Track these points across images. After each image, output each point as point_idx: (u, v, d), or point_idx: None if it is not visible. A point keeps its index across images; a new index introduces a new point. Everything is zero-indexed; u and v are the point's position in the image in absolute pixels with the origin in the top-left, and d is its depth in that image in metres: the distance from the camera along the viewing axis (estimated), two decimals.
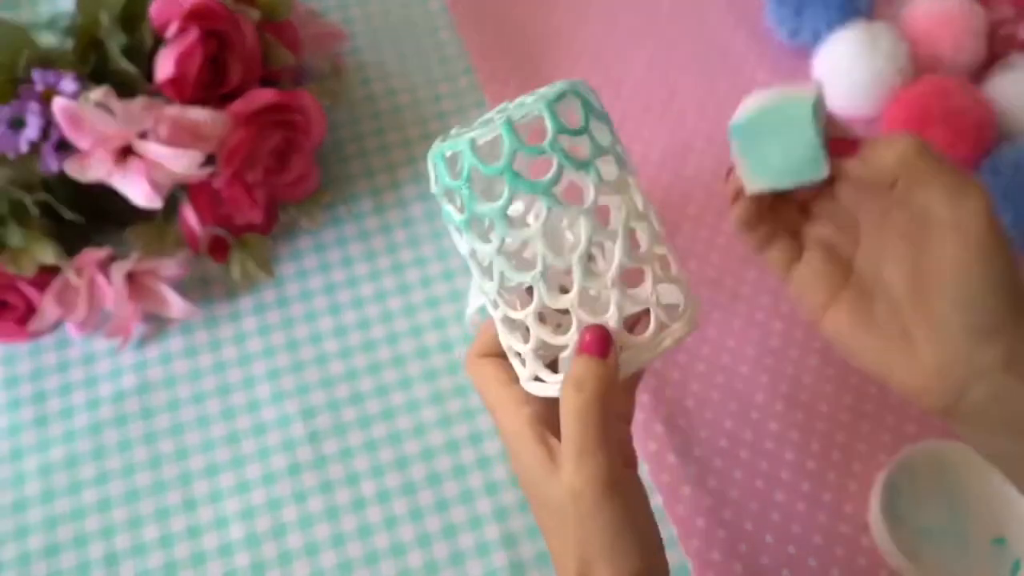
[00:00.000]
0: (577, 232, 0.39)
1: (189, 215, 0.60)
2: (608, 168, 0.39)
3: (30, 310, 0.61)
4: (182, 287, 0.63)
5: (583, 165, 0.38)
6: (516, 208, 0.42)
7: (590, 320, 0.38)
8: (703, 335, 0.62)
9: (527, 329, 0.40)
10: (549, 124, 0.37)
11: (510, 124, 0.37)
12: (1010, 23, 0.70)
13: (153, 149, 0.54)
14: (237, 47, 0.61)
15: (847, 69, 0.68)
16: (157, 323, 0.63)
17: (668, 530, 0.56)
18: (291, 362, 0.62)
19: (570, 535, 0.39)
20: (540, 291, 0.38)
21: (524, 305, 0.40)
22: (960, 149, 0.64)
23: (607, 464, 0.38)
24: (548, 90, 0.39)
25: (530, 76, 0.74)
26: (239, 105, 0.59)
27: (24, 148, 0.56)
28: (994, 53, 0.70)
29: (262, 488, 0.58)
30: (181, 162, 0.55)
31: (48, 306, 0.60)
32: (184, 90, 0.59)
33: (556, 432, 0.40)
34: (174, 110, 0.57)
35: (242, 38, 0.61)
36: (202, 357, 0.63)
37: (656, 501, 0.57)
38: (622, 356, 0.39)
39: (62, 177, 0.56)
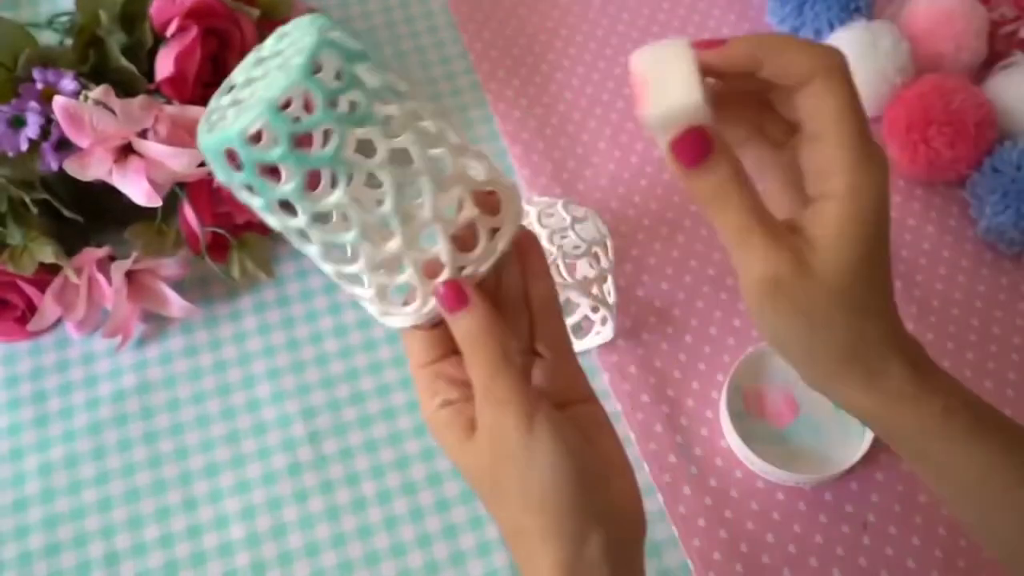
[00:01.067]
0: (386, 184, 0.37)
1: (189, 214, 0.60)
2: (388, 108, 0.37)
3: (30, 309, 0.61)
4: (182, 286, 0.63)
5: (363, 119, 0.36)
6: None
7: (422, 259, 0.37)
8: (704, 334, 0.62)
9: (366, 282, 0.39)
10: (316, 94, 0.35)
11: (274, 106, 0.34)
12: (1011, 22, 0.70)
13: (153, 148, 0.54)
14: (237, 45, 0.61)
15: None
16: (157, 322, 0.63)
17: (669, 530, 0.56)
18: (291, 361, 0.62)
19: (491, 480, 0.37)
20: (365, 249, 0.37)
21: (355, 261, 0.38)
22: (961, 148, 0.64)
23: (513, 399, 0.36)
24: (294, 49, 0.36)
25: (530, 75, 0.74)
26: None
27: (24, 146, 0.56)
28: (995, 52, 0.70)
29: (262, 488, 0.58)
30: (181, 161, 0.55)
31: (48, 305, 0.60)
32: (184, 89, 0.59)
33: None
34: (174, 109, 0.56)
35: (242, 36, 0.61)
36: (202, 356, 0.62)
37: (657, 501, 0.57)
38: (465, 273, 0.37)
39: (62, 176, 0.56)
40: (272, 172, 0.36)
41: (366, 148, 0.37)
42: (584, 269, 0.60)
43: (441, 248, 0.37)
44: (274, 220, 0.38)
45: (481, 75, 0.73)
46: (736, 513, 0.57)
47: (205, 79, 0.60)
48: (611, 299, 0.61)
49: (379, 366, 0.62)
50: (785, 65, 0.35)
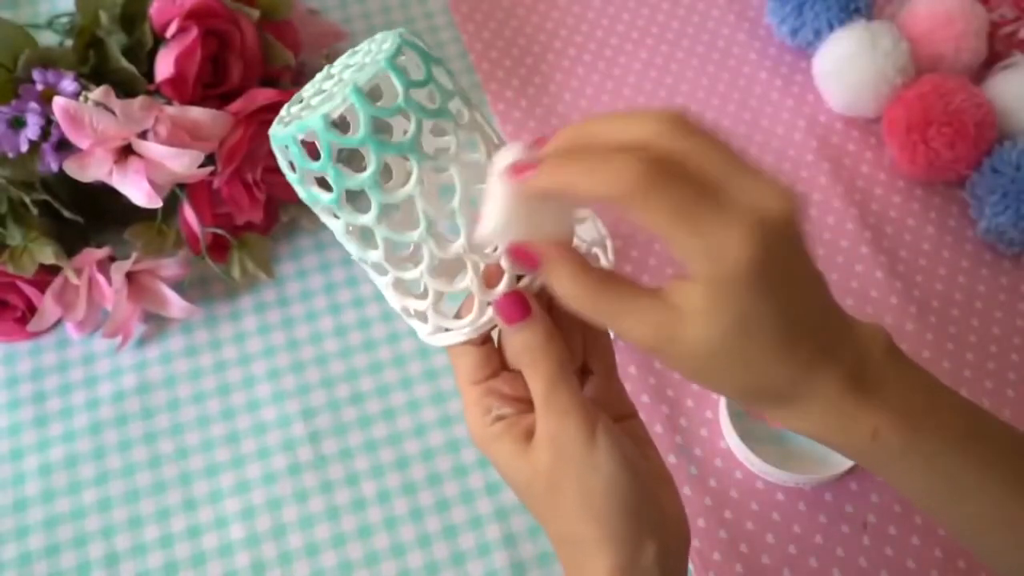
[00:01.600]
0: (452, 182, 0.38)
1: (189, 215, 0.60)
2: (459, 108, 0.38)
3: (30, 310, 0.61)
4: (182, 287, 0.63)
5: (438, 113, 0.37)
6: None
7: (482, 263, 0.37)
8: None
9: (423, 288, 0.39)
10: (397, 82, 0.36)
11: (359, 90, 0.36)
12: (1011, 23, 0.70)
13: (153, 148, 0.54)
14: (237, 46, 0.61)
15: (847, 69, 0.68)
16: (157, 323, 0.63)
17: None
18: (291, 362, 0.62)
19: (547, 490, 0.37)
20: (430, 247, 0.37)
21: (415, 265, 0.39)
22: (960, 149, 0.64)
23: (573, 410, 0.36)
24: (378, 47, 0.38)
25: (530, 75, 0.74)
26: (239, 104, 0.59)
27: (24, 147, 0.56)
28: (995, 53, 0.70)
29: (262, 488, 0.58)
30: (181, 161, 0.55)
31: (48, 306, 0.60)
32: (184, 89, 0.59)
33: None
34: (174, 109, 0.56)
35: (242, 37, 0.61)
36: (202, 357, 0.62)
37: None
38: (523, 284, 0.38)
39: (62, 176, 0.56)
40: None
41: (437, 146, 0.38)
42: None
43: (502, 253, 0.37)
44: (341, 219, 0.38)
45: (481, 75, 0.73)
46: (736, 514, 0.57)
47: (205, 80, 0.60)
48: None
49: (379, 366, 0.62)
50: (610, 141, 0.34)
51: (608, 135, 0.34)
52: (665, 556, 0.37)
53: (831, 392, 0.35)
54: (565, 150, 0.35)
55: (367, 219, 0.37)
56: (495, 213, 0.35)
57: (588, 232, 0.58)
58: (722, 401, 0.58)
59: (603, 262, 0.59)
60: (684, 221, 0.32)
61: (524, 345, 0.37)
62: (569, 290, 0.35)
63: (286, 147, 0.38)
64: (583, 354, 0.41)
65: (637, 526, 0.37)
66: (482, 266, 0.38)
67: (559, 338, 0.38)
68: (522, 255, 0.36)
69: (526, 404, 0.39)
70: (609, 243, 0.60)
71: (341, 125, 0.36)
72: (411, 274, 0.38)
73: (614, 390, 0.42)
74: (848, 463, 0.56)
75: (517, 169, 0.35)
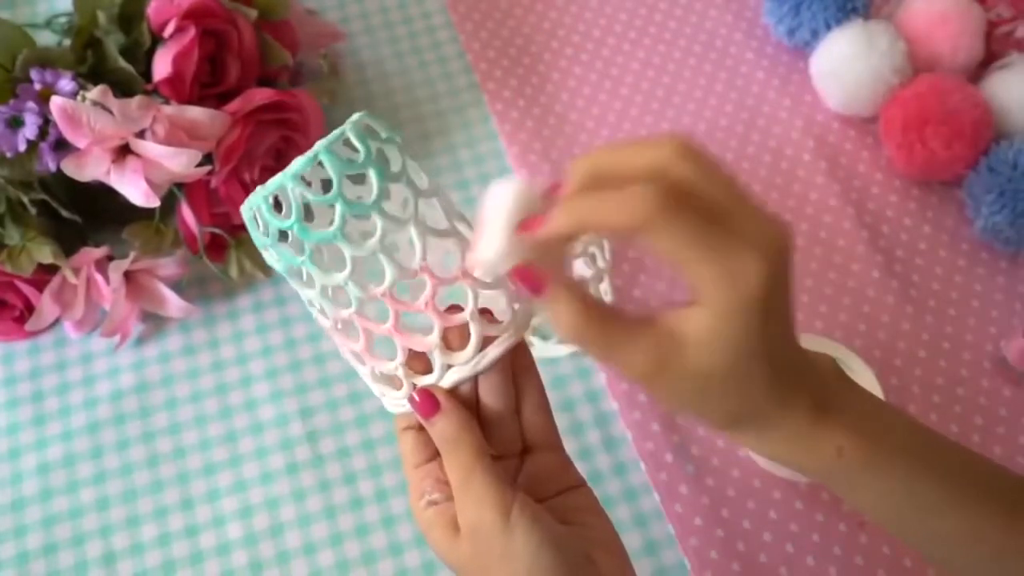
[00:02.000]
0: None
1: (187, 214, 0.60)
2: (398, 193, 0.40)
3: (28, 309, 0.61)
4: (180, 286, 0.63)
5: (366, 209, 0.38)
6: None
7: (406, 344, 0.40)
8: None
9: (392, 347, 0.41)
10: (330, 168, 0.38)
11: (329, 151, 0.38)
12: (1007, 22, 0.70)
13: (150, 148, 0.54)
14: (234, 46, 0.61)
15: (844, 68, 0.68)
16: (155, 322, 0.63)
17: (666, 529, 0.56)
18: (289, 361, 0.62)
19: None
20: (361, 330, 0.40)
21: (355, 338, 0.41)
22: (957, 148, 0.64)
23: (488, 498, 0.38)
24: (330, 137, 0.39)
25: (527, 74, 0.74)
26: (236, 104, 0.59)
27: (22, 147, 0.56)
28: (991, 52, 0.70)
29: (260, 487, 0.58)
30: (179, 161, 0.55)
31: (46, 305, 0.60)
32: (181, 89, 0.59)
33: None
34: (171, 109, 0.57)
35: (239, 37, 0.61)
36: (200, 356, 0.63)
37: (653, 500, 0.57)
38: (449, 374, 0.40)
39: (60, 176, 0.56)
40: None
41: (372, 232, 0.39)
42: (580, 269, 0.60)
43: (432, 345, 0.39)
44: (311, 282, 0.40)
45: (479, 75, 0.74)
46: (733, 512, 0.57)
47: (203, 79, 0.60)
48: (608, 299, 0.61)
49: None
50: (623, 171, 0.34)
51: (618, 167, 0.35)
52: None
53: (800, 417, 0.36)
54: (580, 188, 0.35)
55: (340, 278, 0.39)
56: (493, 244, 0.36)
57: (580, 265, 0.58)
58: None
59: (599, 262, 0.59)
60: (700, 247, 0.32)
61: (439, 436, 0.40)
62: (572, 321, 0.35)
63: (256, 209, 0.39)
64: (522, 434, 0.43)
65: None
66: (410, 350, 0.40)
67: (473, 427, 0.40)
68: (528, 278, 0.36)
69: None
70: (606, 242, 0.60)
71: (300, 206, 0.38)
72: (353, 346, 0.41)
73: (558, 464, 0.43)
74: None
75: (530, 224, 0.36)
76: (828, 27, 0.70)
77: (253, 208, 0.39)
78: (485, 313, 0.40)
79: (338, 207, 0.38)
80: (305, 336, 0.63)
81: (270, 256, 0.40)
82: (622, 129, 0.71)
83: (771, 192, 0.68)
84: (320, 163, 0.38)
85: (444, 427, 0.40)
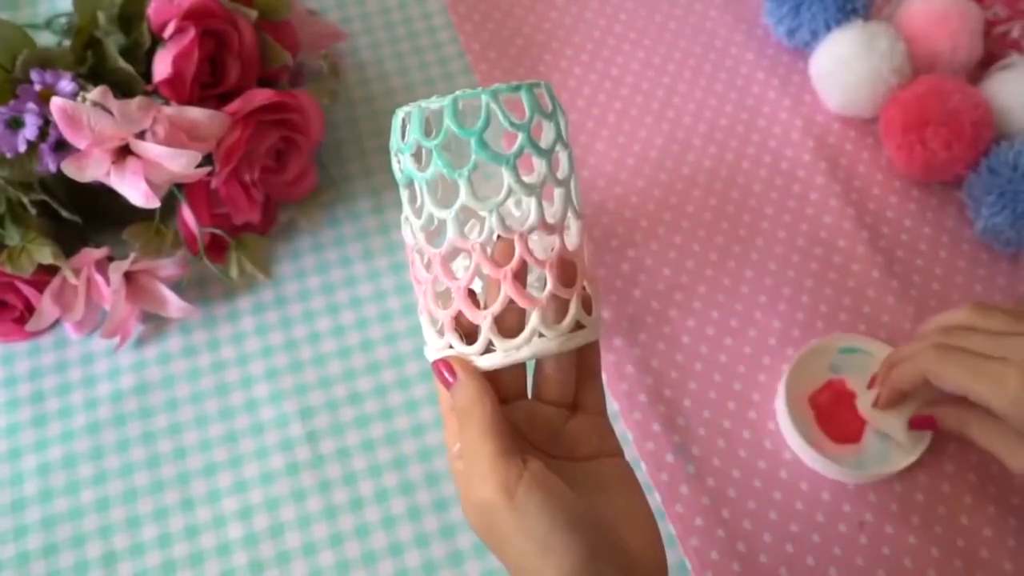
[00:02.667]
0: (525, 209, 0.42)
1: (187, 215, 0.60)
2: (563, 160, 0.42)
3: (28, 310, 0.61)
4: (180, 287, 0.63)
5: (545, 152, 0.40)
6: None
7: (466, 305, 0.40)
8: (702, 334, 0.63)
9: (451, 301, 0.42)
10: (526, 103, 0.40)
11: (494, 93, 0.39)
12: (1004, 22, 0.70)
13: (151, 149, 0.54)
14: (235, 47, 0.61)
15: (844, 69, 0.68)
16: (155, 323, 0.63)
17: (666, 529, 0.56)
18: (289, 362, 0.62)
19: (504, 549, 0.38)
20: (491, 222, 0.40)
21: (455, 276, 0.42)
22: (957, 149, 0.64)
23: (500, 469, 0.38)
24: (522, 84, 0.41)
25: (528, 75, 0.74)
26: (237, 104, 0.59)
27: (22, 148, 0.56)
28: (991, 52, 0.70)
29: (260, 488, 0.58)
30: (179, 162, 0.55)
31: (46, 306, 0.60)
32: (181, 90, 0.59)
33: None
34: (172, 110, 0.57)
35: (240, 38, 0.61)
36: (200, 357, 0.63)
37: (654, 500, 0.57)
38: (488, 357, 0.40)
39: (60, 177, 0.56)
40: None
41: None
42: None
43: (484, 316, 0.40)
44: (419, 203, 0.42)
45: (479, 75, 0.74)
46: (733, 513, 0.57)
47: (203, 80, 0.60)
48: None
49: (376, 366, 0.62)
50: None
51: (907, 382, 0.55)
52: None
53: None
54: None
55: (446, 211, 0.40)
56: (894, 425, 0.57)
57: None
58: (780, 398, 0.59)
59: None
60: (973, 375, 0.50)
61: (455, 405, 0.41)
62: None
63: (408, 117, 0.41)
64: (575, 390, 0.44)
65: (587, 557, 0.37)
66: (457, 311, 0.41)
67: (487, 402, 0.40)
68: (923, 423, 0.57)
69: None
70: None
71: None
72: (453, 282, 0.41)
73: (600, 428, 0.44)
74: (907, 460, 0.57)
75: (918, 423, 0.58)
76: (828, 28, 0.70)
77: (404, 115, 0.41)
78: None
79: (474, 147, 0.39)
80: (305, 337, 0.63)
81: (396, 162, 0.42)
82: (622, 129, 0.71)
83: (771, 192, 0.68)
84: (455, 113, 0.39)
85: (458, 398, 0.40)
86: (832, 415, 0.59)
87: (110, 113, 0.54)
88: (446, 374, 0.41)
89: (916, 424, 0.56)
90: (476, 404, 0.40)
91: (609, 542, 0.38)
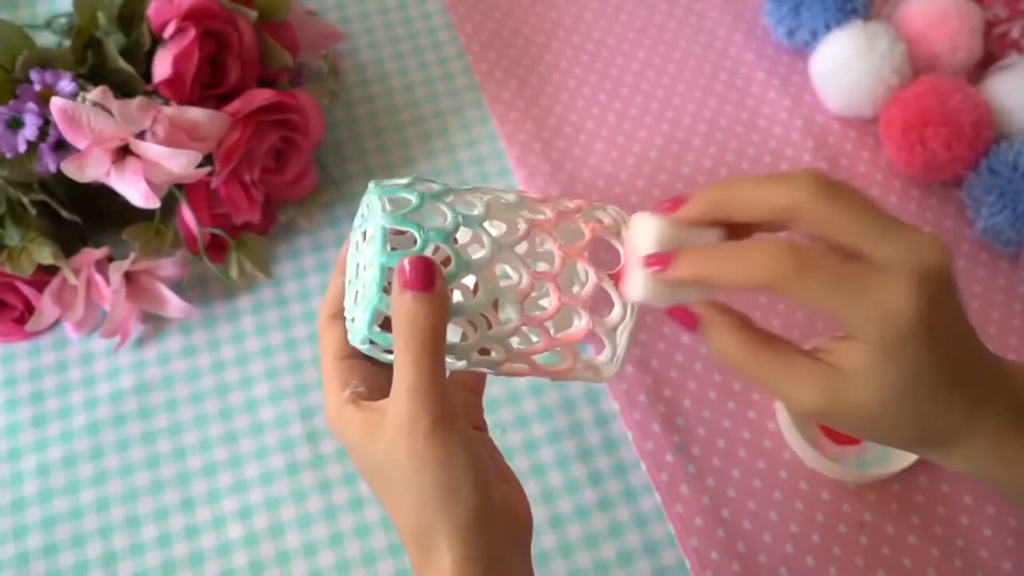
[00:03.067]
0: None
1: (187, 215, 0.60)
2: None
3: (28, 310, 0.61)
4: (180, 287, 0.63)
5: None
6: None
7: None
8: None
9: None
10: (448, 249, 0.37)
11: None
12: (1003, 22, 0.70)
13: (151, 149, 0.54)
14: (235, 47, 0.61)
15: (844, 69, 0.68)
16: (155, 323, 0.63)
17: (666, 529, 0.56)
18: (289, 361, 0.62)
19: (400, 477, 0.36)
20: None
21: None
22: (957, 149, 0.64)
23: (438, 399, 0.35)
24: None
25: (527, 76, 0.74)
26: (237, 105, 0.59)
27: (22, 148, 0.56)
28: (990, 53, 0.70)
29: (260, 487, 0.58)
30: (179, 162, 0.55)
31: (46, 306, 0.60)
32: (181, 90, 0.59)
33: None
34: (172, 110, 0.57)
35: (240, 38, 0.61)
36: (200, 357, 0.63)
37: (654, 500, 0.57)
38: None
39: (60, 177, 0.56)
40: None
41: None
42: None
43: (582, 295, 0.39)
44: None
45: (479, 75, 0.74)
46: (733, 513, 0.57)
47: (203, 80, 0.60)
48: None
49: None
50: (754, 208, 0.35)
51: (751, 201, 0.35)
52: (514, 548, 0.39)
53: (994, 433, 0.35)
54: (705, 213, 0.36)
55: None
56: (638, 286, 0.37)
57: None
58: (779, 404, 0.59)
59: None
60: (842, 291, 0.32)
61: (413, 317, 0.35)
62: (729, 349, 0.36)
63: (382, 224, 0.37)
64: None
65: (487, 521, 0.37)
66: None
67: (445, 331, 0.36)
68: (680, 317, 0.37)
69: (379, 393, 0.39)
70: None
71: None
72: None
73: (478, 404, 0.45)
74: (907, 460, 0.57)
75: (653, 261, 0.36)
76: (828, 28, 0.70)
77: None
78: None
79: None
80: (305, 337, 0.63)
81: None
82: (622, 130, 0.71)
83: None
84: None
85: (427, 309, 0.35)
86: None
87: (110, 113, 0.54)
88: (419, 276, 0.35)
89: (677, 316, 0.37)
90: (444, 327, 0.36)
91: (497, 494, 0.38)
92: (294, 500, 0.57)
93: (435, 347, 0.36)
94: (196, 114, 0.57)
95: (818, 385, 0.34)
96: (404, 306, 0.36)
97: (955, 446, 0.36)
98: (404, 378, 0.36)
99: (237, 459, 0.59)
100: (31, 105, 0.55)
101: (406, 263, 0.36)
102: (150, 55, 0.59)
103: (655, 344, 0.62)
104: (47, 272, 0.60)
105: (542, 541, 0.56)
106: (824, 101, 0.71)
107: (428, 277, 0.35)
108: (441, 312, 0.36)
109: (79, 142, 0.55)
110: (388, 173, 0.70)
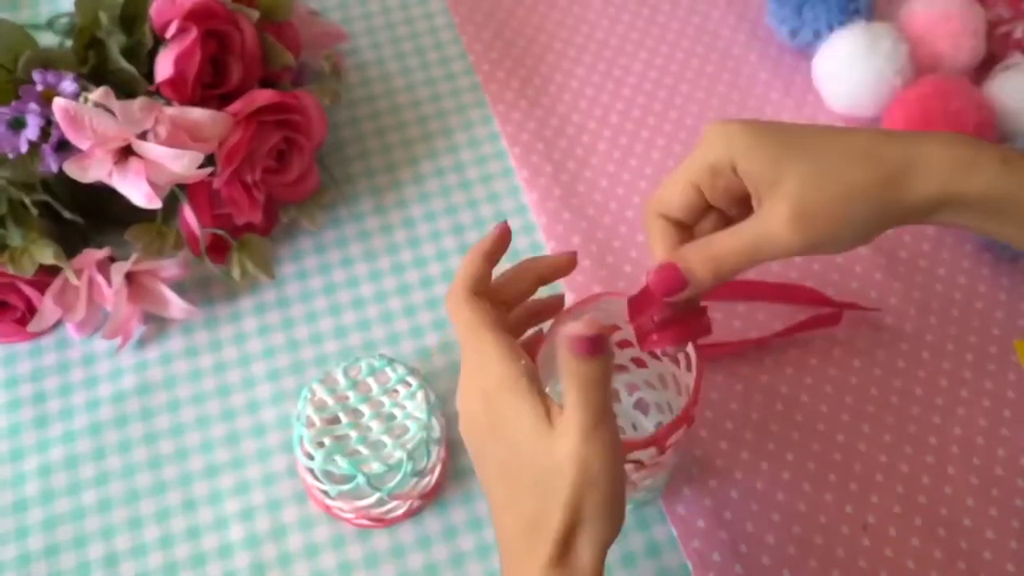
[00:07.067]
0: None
1: (189, 216, 0.60)
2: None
3: (30, 310, 0.61)
4: (182, 288, 0.63)
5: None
6: None
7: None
8: None
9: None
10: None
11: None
12: (1006, 23, 0.70)
13: (153, 149, 0.54)
14: (237, 47, 0.61)
15: (847, 69, 0.68)
16: (157, 323, 0.63)
17: (668, 531, 0.56)
18: (291, 362, 0.62)
19: (559, 499, 0.38)
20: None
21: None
22: None
23: (613, 438, 0.38)
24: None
25: (530, 76, 0.74)
26: (239, 105, 0.59)
27: (24, 148, 0.56)
28: (993, 53, 0.70)
29: (262, 489, 0.58)
30: (181, 162, 0.55)
31: (48, 306, 0.60)
32: (183, 90, 0.59)
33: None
34: (173, 110, 0.56)
35: (242, 38, 0.61)
36: (202, 358, 0.62)
37: (657, 503, 0.57)
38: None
39: (62, 177, 0.56)
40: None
41: None
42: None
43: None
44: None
45: (481, 76, 0.73)
46: (736, 514, 0.57)
47: (205, 81, 0.60)
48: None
49: None
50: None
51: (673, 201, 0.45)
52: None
53: (946, 142, 0.41)
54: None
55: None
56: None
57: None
58: None
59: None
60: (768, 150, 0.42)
61: (588, 377, 0.38)
62: (713, 270, 0.43)
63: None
64: None
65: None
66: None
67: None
68: (668, 283, 0.43)
69: None
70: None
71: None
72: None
73: None
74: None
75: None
76: (831, 28, 0.70)
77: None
78: None
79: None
80: (307, 338, 0.63)
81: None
82: (624, 131, 0.71)
83: None
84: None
85: (600, 370, 0.38)
86: None
87: (112, 114, 0.54)
88: (592, 344, 0.38)
89: (665, 283, 0.43)
90: (611, 363, 0.39)
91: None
92: (296, 502, 0.57)
93: (609, 385, 0.39)
94: (198, 114, 0.57)
95: (785, 225, 0.41)
96: (583, 368, 0.38)
97: (914, 173, 0.40)
98: (582, 411, 0.38)
99: (239, 460, 0.59)
100: (33, 105, 0.55)
101: (576, 335, 0.38)
102: (152, 55, 0.59)
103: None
104: (49, 273, 0.60)
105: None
106: (827, 102, 0.71)
107: (602, 343, 0.38)
108: (611, 360, 0.39)
109: (81, 143, 0.54)
110: (390, 173, 0.70)
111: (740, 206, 0.45)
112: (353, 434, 0.53)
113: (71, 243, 0.60)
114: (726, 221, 0.45)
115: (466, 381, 0.42)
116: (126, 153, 0.56)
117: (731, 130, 0.43)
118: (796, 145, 0.42)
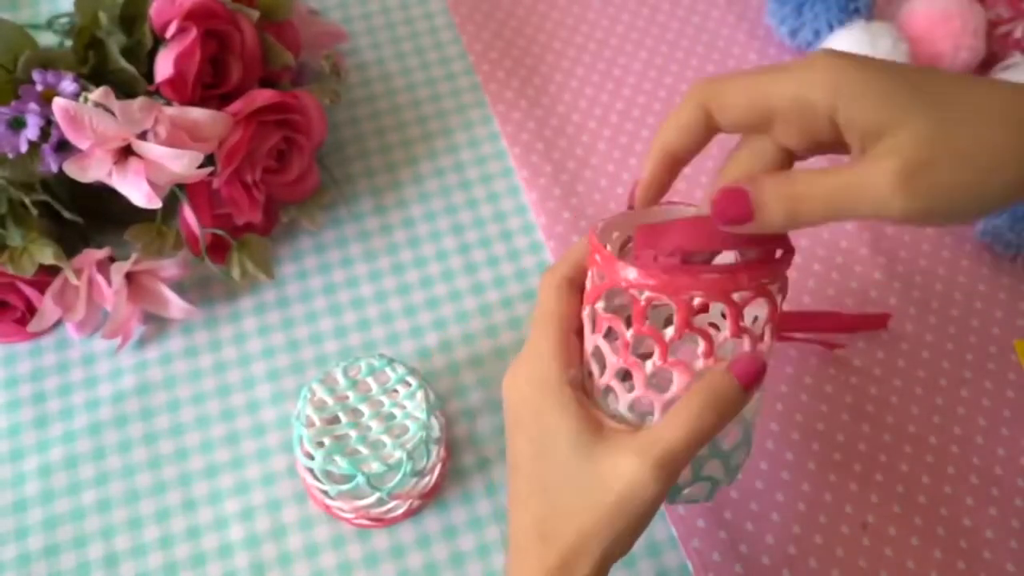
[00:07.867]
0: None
1: (189, 216, 0.60)
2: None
3: (29, 310, 0.61)
4: (182, 287, 0.63)
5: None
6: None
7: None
8: None
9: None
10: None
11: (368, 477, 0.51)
12: (1006, 22, 0.70)
13: (152, 149, 0.54)
14: (237, 47, 0.61)
15: None
16: (157, 323, 0.63)
17: (668, 530, 0.56)
18: (291, 363, 0.62)
19: (602, 519, 0.38)
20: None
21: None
22: None
23: (679, 472, 0.39)
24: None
25: (529, 76, 0.74)
26: (238, 105, 0.59)
27: (24, 148, 0.56)
28: (993, 53, 0.70)
29: (262, 489, 0.58)
30: (180, 162, 0.55)
31: (47, 306, 0.60)
32: (183, 90, 0.59)
33: None
34: (173, 110, 0.56)
35: (242, 38, 0.61)
36: (202, 358, 0.62)
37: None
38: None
39: (62, 177, 0.56)
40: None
41: None
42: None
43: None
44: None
45: (481, 76, 0.73)
46: (735, 514, 0.57)
47: (205, 80, 0.60)
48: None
49: None
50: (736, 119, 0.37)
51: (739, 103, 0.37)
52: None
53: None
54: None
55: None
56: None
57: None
58: None
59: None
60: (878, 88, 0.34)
61: (721, 404, 0.38)
62: (791, 209, 0.35)
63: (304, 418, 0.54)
64: None
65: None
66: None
67: None
68: (734, 210, 0.36)
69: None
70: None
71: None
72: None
73: None
74: None
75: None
76: (831, 28, 0.70)
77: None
78: None
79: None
80: (307, 338, 0.63)
81: None
82: (624, 130, 0.71)
83: None
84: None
85: (740, 398, 0.38)
86: None
87: (112, 114, 0.54)
88: (754, 376, 0.38)
89: (730, 210, 0.36)
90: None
91: None
92: (296, 502, 0.57)
93: (705, 434, 0.38)
94: (198, 114, 0.57)
95: (891, 183, 0.33)
96: (743, 397, 0.38)
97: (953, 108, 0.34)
98: (671, 448, 0.38)
99: (239, 460, 0.59)
100: (33, 105, 0.55)
101: (747, 364, 0.38)
102: (152, 55, 0.59)
103: None
104: (49, 272, 0.60)
105: None
106: None
107: (759, 379, 0.38)
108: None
109: (81, 142, 0.54)
110: (390, 173, 0.70)
111: (812, 150, 0.37)
112: (353, 434, 0.53)
113: (71, 243, 0.60)
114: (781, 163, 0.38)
115: (518, 365, 0.42)
116: (126, 153, 0.56)
117: (841, 66, 0.34)
118: (919, 91, 0.34)
